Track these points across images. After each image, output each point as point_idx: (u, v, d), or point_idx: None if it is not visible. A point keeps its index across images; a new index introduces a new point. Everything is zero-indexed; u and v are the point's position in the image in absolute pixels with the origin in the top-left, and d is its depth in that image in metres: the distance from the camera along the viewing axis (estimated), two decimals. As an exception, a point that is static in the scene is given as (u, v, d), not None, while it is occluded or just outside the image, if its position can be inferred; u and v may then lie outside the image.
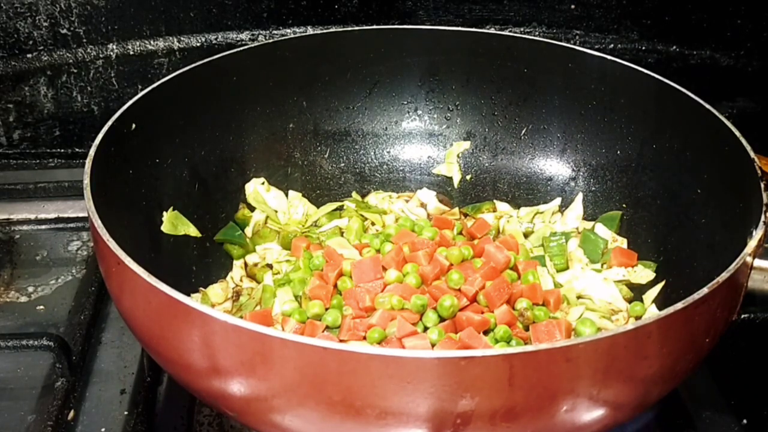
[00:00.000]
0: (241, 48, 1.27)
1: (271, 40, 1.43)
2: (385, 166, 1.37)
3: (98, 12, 1.43)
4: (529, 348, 0.75)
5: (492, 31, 1.46)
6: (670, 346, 0.82)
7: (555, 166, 1.31)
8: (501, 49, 1.30)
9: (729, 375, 1.10)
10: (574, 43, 1.46)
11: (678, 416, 1.05)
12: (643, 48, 1.51)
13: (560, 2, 1.48)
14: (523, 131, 1.33)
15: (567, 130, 1.30)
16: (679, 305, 0.79)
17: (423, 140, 1.37)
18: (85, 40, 1.45)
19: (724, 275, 0.83)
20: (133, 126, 1.09)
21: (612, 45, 1.51)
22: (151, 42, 1.47)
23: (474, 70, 1.32)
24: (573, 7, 1.49)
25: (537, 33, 1.50)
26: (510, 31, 1.49)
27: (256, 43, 1.45)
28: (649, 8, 1.49)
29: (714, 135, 1.08)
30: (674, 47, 1.52)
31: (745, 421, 1.05)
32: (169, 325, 0.83)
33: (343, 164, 1.35)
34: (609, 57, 1.23)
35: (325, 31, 1.45)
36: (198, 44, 1.48)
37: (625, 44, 1.51)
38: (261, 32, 1.49)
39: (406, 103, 1.36)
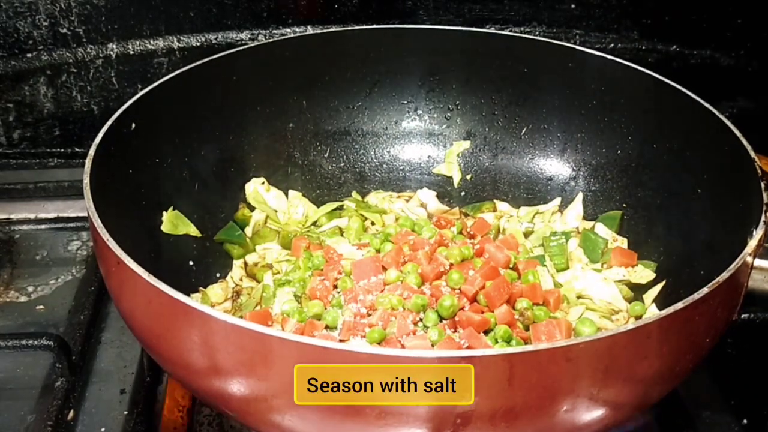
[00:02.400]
0: (241, 48, 1.27)
1: (271, 40, 1.43)
2: (385, 166, 1.37)
3: (98, 11, 1.43)
4: (529, 348, 0.75)
5: (492, 30, 1.46)
6: (670, 346, 0.82)
7: (555, 166, 1.31)
8: (501, 48, 1.30)
9: (729, 375, 1.09)
10: (574, 43, 1.46)
11: (678, 416, 1.05)
12: (643, 48, 1.51)
13: (560, 2, 1.48)
14: (523, 131, 1.33)
15: (567, 130, 1.30)
16: (679, 305, 0.79)
17: (423, 140, 1.37)
18: (85, 40, 1.45)
19: (724, 275, 0.83)
20: (133, 126, 1.09)
21: (612, 45, 1.51)
22: (151, 41, 1.47)
23: (474, 69, 1.32)
24: (573, 6, 1.49)
25: (537, 33, 1.50)
26: (510, 31, 1.49)
27: (256, 43, 1.45)
28: (649, 8, 1.49)
29: (714, 135, 1.08)
30: (674, 47, 1.52)
31: (745, 421, 1.04)
32: (168, 325, 0.83)
33: (343, 164, 1.35)
34: (609, 57, 1.23)
35: (325, 30, 1.45)
36: (198, 44, 1.48)
37: (625, 44, 1.51)
38: (261, 32, 1.49)
39: (406, 102, 1.36)
